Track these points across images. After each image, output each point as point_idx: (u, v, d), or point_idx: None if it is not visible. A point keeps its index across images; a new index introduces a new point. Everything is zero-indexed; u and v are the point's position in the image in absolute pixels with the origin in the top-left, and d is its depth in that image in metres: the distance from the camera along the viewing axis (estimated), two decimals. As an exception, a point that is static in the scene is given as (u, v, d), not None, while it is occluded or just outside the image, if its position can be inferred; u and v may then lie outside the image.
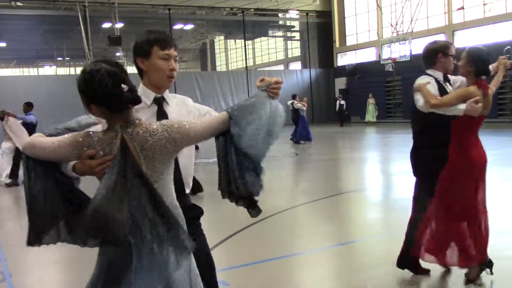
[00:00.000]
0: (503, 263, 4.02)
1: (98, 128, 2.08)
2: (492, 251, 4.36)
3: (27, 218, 1.95)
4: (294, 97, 17.53)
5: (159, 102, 2.39)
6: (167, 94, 2.43)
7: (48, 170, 1.97)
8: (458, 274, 3.88)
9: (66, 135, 1.96)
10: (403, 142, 15.27)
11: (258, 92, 2.07)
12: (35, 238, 1.97)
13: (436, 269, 3.97)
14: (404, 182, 8.93)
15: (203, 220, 2.56)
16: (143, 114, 2.24)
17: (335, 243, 5.12)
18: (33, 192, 1.94)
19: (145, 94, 2.34)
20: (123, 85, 1.86)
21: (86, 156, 1.91)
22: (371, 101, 25.79)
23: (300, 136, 16.67)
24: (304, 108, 17.09)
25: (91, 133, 1.95)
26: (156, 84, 2.35)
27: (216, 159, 2.05)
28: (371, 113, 25.76)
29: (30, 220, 1.96)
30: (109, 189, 1.84)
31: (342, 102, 26.04)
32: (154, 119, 2.29)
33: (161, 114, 2.35)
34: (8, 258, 4.91)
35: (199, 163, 11.01)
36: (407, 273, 3.92)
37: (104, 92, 1.84)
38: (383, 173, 10.15)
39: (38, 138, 1.97)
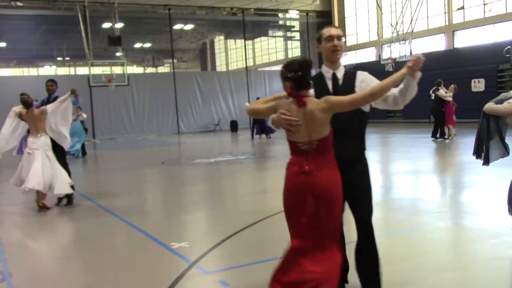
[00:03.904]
0: (503, 263, 4.02)
1: None
2: (492, 251, 4.37)
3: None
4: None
5: None
6: None
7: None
8: (463, 274, 3.88)
9: None
10: (403, 142, 15.27)
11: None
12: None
13: (437, 269, 3.97)
14: (404, 182, 8.94)
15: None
16: None
17: (335, 243, 5.10)
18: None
19: None
20: None
21: None
22: None
23: (267, 131, 19.35)
24: None
25: None
26: None
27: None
28: None
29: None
30: None
31: None
32: None
33: None
34: (8, 258, 4.90)
35: (200, 163, 10.97)
36: (407, 273, 3.92)
37: None
38: (383, 173, 10.15)
39: None
